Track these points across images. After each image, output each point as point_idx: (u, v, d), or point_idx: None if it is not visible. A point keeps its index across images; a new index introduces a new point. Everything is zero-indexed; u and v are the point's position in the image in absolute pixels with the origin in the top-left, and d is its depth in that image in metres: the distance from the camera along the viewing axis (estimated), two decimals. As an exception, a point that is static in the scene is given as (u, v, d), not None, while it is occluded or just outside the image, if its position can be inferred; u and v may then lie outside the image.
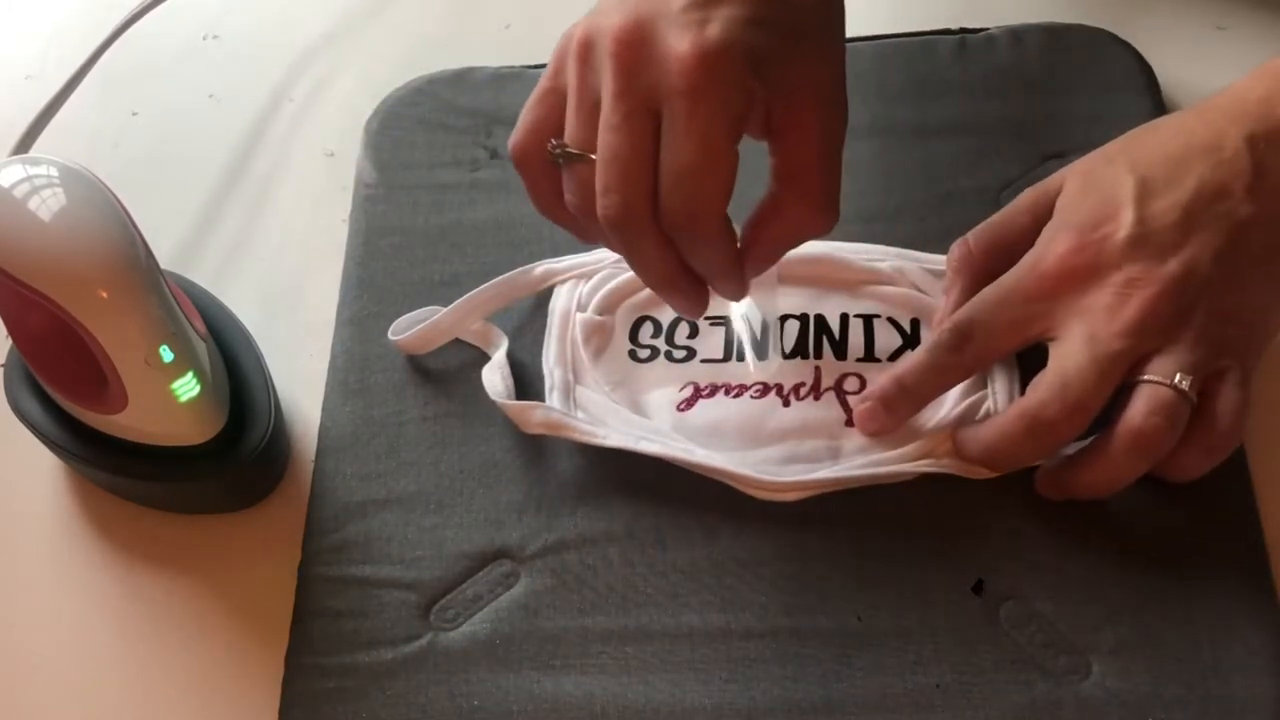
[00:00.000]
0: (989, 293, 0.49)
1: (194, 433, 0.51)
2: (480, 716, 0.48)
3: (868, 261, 0.55)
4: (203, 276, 0.59)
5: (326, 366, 0.56)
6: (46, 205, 0.47)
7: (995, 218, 0.52)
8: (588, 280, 0.56)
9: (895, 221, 0.57)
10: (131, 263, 0.48)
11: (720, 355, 0.54)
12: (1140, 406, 0.46)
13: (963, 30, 0.62)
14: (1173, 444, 0.46)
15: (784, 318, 0.54)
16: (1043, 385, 0.47)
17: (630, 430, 0.52)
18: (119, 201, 0.49)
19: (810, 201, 0.46)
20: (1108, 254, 0.47)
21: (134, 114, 0.67)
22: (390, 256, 0.59)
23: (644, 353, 0.54)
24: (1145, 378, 0.46)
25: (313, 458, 0.54)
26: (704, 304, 0.48)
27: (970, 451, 0.49)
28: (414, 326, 0.55)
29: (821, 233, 0.47)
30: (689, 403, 0.53)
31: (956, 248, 0.52)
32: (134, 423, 0.50)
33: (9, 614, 0.53)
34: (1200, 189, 0.47)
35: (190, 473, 0.52)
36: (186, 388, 0.49)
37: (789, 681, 0.47)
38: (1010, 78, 0.60)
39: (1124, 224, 0.47)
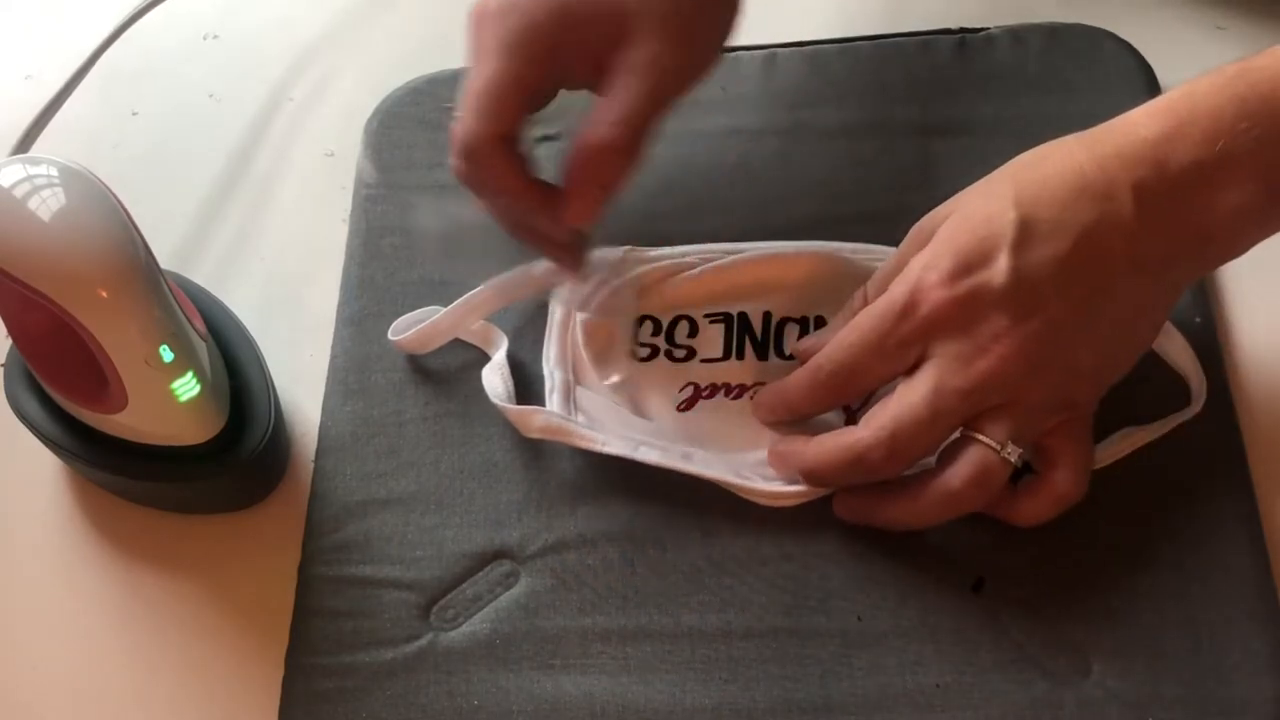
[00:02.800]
0: (864, 336, 0.48)
1: (194, 433, 0.51)
2: (480, 716, 0.48)
3: (868, 261, 0.55)
4: (203, 276, 0.59)
5: (326, 366, 0.56)
6: (46, 205, 0.47)
7: (889, 264, 0.50)
8: (587, 280, 0.56)
9: (895, 221, 0.56)
10: (131, 263, 0.48)
11: (720, 355, 0.54)
12: (962, 470, 0.46)
13: (963, 30, 0.62)
14: (984, 505, 0.47)
15: (784, 319, 0.54)
16: (874, 423, 0.47)
17: (630, 434, 0.52)
18: (119, 201, 0.49)
19: (600, 127, 0.48)
20: (980, 302, 0.45)
21: (134, 114, 0.67)
22: (390, 256, 0.59)
23: (644, 352, 0.54)
24: (977, 436, 0.46)
25: (313, 458, 0.54)
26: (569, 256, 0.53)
27: (786, 466, 0.50)
28: (414, 326, 0.55)
29: (606, 143, 0.48)
30: (689, 403, 0.53)
31: (857, 298, 0.51)
32: (134, 423, 0.50)
33: (9, 614, 0.53)
34: (1081, 241, 0.45)
35: (190, 473, 0.52)
36: (186, 388, 0.49)
37: (789, 681, 0.47)
38: (1010, 78, 0.60)
39: (999, 270, 0.45)
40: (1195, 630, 0.47)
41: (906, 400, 0.46)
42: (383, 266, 0.58)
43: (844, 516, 0.50)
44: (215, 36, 0.69)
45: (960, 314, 0.46)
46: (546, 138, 0.59)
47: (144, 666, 0.51)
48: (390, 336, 0.55)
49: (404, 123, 0.62)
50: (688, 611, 0.49)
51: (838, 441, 0.48)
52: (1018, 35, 0.61)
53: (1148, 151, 0.45)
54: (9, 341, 0.52)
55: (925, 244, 0.48)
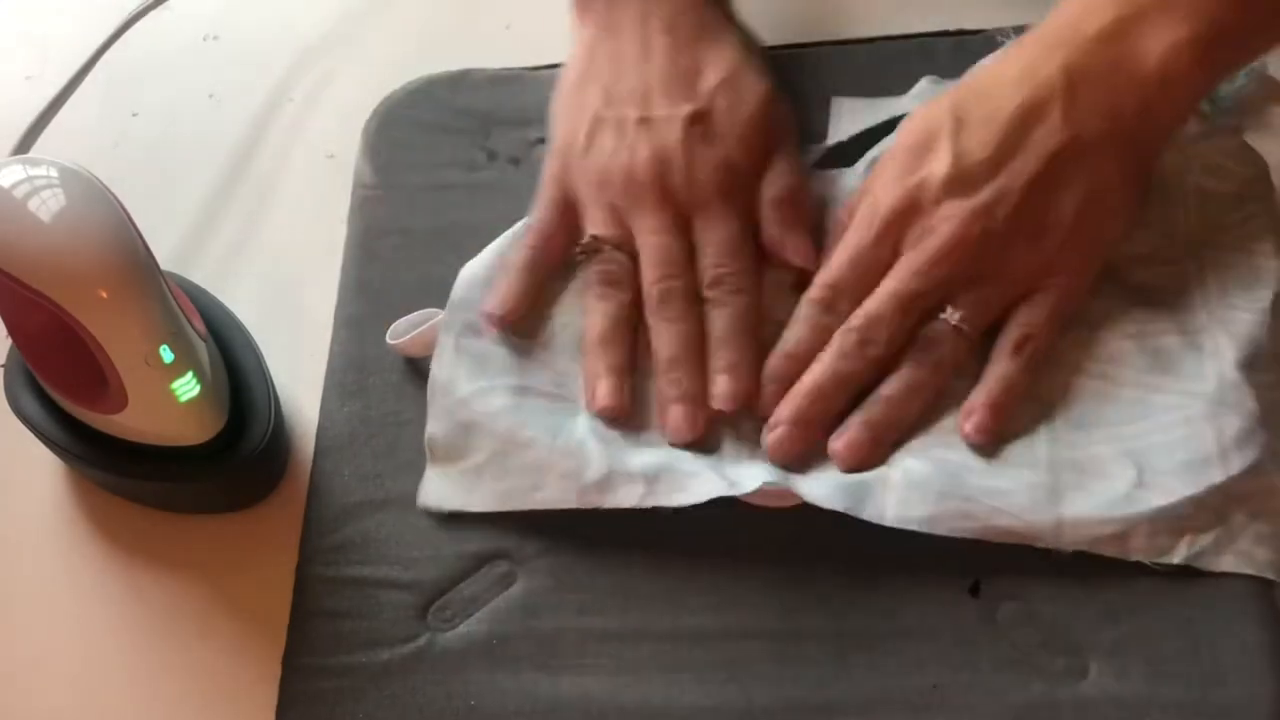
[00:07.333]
0: (841, 254, 0.51)
1: (194, 433, 0.51)
2: (477, 717, 0.48)
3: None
4: (203, 276, 0.59)
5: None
6: (46, 205, 0.47)
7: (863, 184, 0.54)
8: None
9: (894, 222, 0.57)
10: (131, 263, 0.48)
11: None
12: (915, 346, 0.49)
13: (962, 31, 0.62)
14: (945, 381, 0.50)
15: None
16: (850, 320, 0.50)
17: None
18: (119, 201, 0.49)
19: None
20: (927, 195, 0.50)
21: (134, 114, 0.67)
22: (388, 258, 0.59)
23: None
24: (937, 314, 0.49)
25: (312, 458, 0.55)
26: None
27: (783, 408, 0.50)
28: (412, 329, 0.55)
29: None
30: None
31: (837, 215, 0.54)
32: (134, 423, 0.50)
33: (9, 614, 0.53)
34: (1014, 115, 0.49)
35: (190, 473, 0.52)
36: (186, 388, 0.49)
37: (787, 682, 0.48)
38: (1010, 78, 0.60)
39: (941, 163, 0.49)
40: (1194, 631, 0.47)
41: (876, 291, 0.49)
42: (380, 268, 0.58)
43: (848, 457, 0.49)
44: (215, 37, 0.69)
45: (915, 211, 0.49)
46: (545, 140, 0.59)
47: (143, 666, 0.51)
48: (388, 340, 0.55)
49: (403, 124, 0.62)
50: (687, 612, 0.49)
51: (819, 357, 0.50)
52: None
53: (1066, 34, 0.49)
54: (9, 341, 0.53)
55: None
